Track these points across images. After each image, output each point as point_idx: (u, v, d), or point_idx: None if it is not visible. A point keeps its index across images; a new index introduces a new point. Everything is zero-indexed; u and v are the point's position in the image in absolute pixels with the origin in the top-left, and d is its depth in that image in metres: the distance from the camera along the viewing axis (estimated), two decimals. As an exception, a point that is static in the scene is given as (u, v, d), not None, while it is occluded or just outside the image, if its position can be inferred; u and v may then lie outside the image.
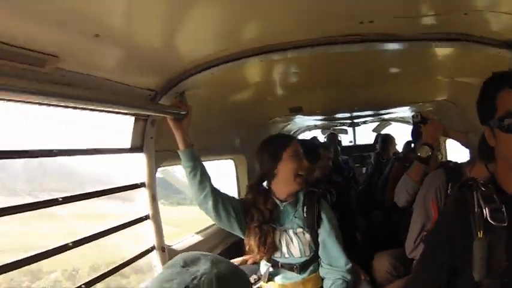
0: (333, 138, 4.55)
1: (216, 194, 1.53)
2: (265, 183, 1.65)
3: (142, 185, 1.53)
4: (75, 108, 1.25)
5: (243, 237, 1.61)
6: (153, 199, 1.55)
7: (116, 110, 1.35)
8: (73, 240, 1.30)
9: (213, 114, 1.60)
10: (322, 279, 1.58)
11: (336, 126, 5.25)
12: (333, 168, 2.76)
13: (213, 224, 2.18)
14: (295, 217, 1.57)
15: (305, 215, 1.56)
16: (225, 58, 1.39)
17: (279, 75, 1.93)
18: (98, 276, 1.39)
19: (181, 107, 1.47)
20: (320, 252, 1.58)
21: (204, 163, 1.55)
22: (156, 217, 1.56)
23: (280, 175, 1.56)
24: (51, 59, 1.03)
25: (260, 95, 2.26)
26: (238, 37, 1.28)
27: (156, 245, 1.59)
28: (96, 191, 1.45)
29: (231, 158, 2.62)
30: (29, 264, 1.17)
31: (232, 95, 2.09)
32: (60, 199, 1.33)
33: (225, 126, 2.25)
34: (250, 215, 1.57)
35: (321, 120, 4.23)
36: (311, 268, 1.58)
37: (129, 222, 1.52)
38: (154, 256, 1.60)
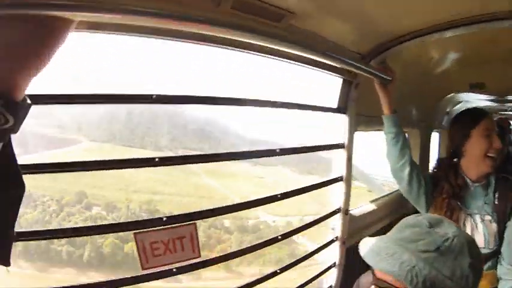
0: (505, 124, 3.77)
1: (413, 164, 1.50)
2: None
3: (341, 146, 1.55)
4: (297, 62, 1.31)
5: (423, 212, 1.52)
6: (349, 160, 1.56)
7: (335, 65, 1.37)
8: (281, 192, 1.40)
9: (399, 85, 1.53)
10: (498, 280, 1.39)
11: (506, 110, 4.32)
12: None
13: (384, 196, 2.15)
14: (486, 203, 1.43)
15: (496, 202, 1.41)
16: (432, 28, 1.32)
17: (465, 48, 1.78)
18: (290, 231, 1.49)
19: (387, 73, 1.44)
20: (503, 249, 1.38)
21: (375, 133, 1.52)
22: (348, 179, 1.58)
23: (468, 154, 1.46)
24: (288, 15, 1.08)
25: (441, 69, 2.08)
26: (444, 9, 1.21)
27: (342, 208, 1.61)
28: (298, 147, 1.52)
29: (405, 131, 2.47)
30: (236, 211, 1.27)
31: (418, 67, 1.97)
32: (278, 150, 1.37)
33: (405, 99, 2.15)
34: (440, 188, 1.51)
35: (491, 101, 3.60)
36: (489, 263, 1.41)
37: (323, 182, 1.57)
38: (337, 218, 1.64)
